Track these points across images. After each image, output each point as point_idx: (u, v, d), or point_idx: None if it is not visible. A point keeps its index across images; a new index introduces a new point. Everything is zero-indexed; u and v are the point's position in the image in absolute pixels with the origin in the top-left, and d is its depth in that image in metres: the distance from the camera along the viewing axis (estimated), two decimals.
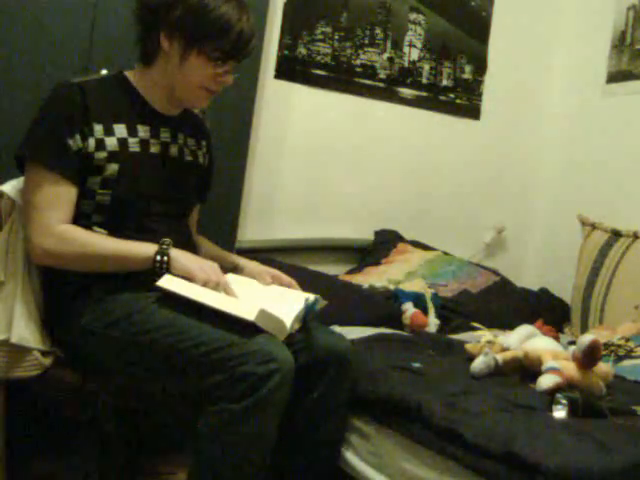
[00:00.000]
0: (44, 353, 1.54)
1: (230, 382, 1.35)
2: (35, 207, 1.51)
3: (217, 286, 1.51)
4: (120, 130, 1.59)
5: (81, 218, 1.57)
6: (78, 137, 1.53)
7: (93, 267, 1.54)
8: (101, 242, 1.53)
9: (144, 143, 1.62)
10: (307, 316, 1.56)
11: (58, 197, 1.52)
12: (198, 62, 1.57)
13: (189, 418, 1.48)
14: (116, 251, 1.53)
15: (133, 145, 1.60)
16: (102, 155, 1.55)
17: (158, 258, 1.50)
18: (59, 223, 1.51)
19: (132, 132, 1.61)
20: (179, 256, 1.53)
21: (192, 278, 1.50)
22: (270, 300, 1.53)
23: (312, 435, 1.59)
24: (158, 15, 1.56)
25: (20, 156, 1.56)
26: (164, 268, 1.51)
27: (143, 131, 1.63)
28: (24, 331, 1.50)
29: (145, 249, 1.52)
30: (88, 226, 1.56)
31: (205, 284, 1.50)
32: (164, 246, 1.52)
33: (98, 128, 1.56)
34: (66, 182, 1.52)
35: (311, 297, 1.57)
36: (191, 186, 1.76)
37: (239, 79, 1.65)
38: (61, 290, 1.58)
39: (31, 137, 1.54)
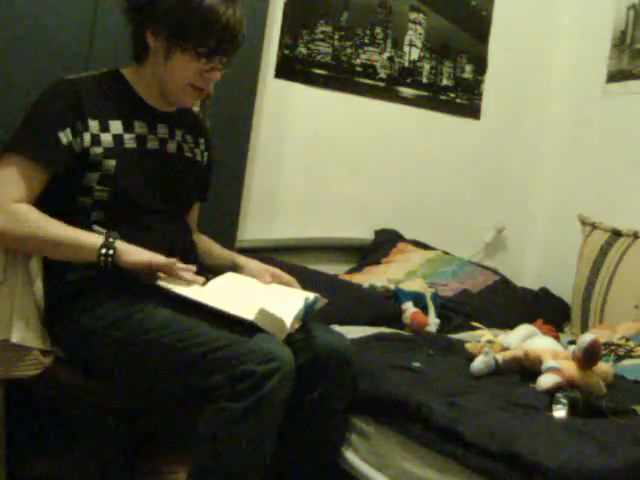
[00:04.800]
0: (44, 353, 1.54)
1: (230, 382, 1.35)
2: None
3: (173, 268, 1.49)
4: (116, 126, 1.58)
5: (80, 215, 1.56)
6: (69, 131, 1.52)
7: (41, 251, 1.52)
8: (51, 227, 1.49)
9: (141, 139, 1.62)
10: (307, 315, 1.56)
11: (21, 176, 1.48)
12: (183, 59, 1.56)
13: (189, 418, 1.48)
14: (64, 237, 1.49)
15: (129, 141, 1.60)
16: (98, 150, 1.55)
17: (103, 251, 1.47)
18: (14, 201, 1.48)
19: (128, 128, 1.60)
20: (128, 250, 1.49)
21: (147, 266, 1.49)
22: (270, 299, 1.53)
23: (312, 435, 1.59)
24: (143, 13, 1.56)
25: (7, 149, 1.54)
26: (109, 262, 1.48)
27: (139, 127, 1.62)
28: (24, 331, 1.50)
29: (93, 240, 1.49)
30: (88, 224, 1.56)
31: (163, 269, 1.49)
32: (110, 239, 1.49)
33: (93, 124, 1.55)
34: (37, 165, 1.50)
35: (311, 296, 1.57)
36: (190, 183, 1.75)
37: (239, 78, 1.64)
38: (61, 290, 1.58)
39: (19, 130, 1.53)
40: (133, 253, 1.50)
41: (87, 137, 1.54)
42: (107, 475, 1.82)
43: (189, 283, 1.50)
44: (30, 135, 1.52)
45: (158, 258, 1.50)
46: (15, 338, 1.48)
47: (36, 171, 1.51)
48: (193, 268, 1.53)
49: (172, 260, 1.51)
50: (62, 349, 1.58)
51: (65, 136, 1.52)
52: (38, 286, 1.57)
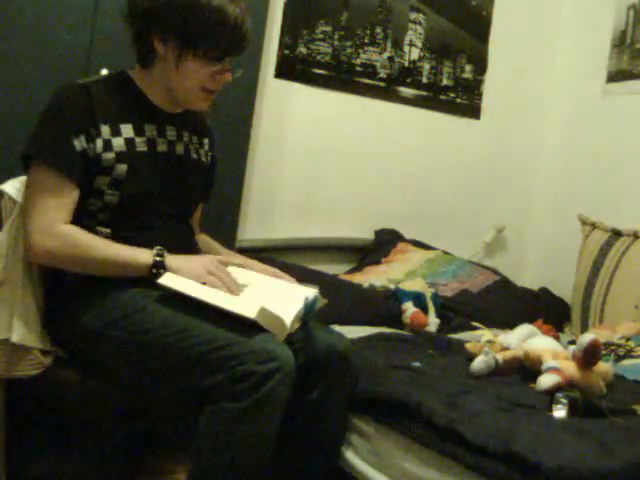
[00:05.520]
0: (44, 352, 1.54)
1: (231, 381, 1.35)
2: (37, 206, 1.50)
3: (225, 283, 1.52)
4: (127, 130, 1.58)
5: (86, 217, 1.56)
6: (83, 138, 1.53)
7: (91, 270, 1.53)
8: (102, 247, 1.52)
9: (151, 142, 1.62)
10: (307, 315, 1.56)
11: (61, 197, 1.51)
12: (195, 63, 1.55)
13: (189, 418, 1.48)
14: (114, 257, 1.51)
15: (140, 145, 1.60)
16: (110, 156, 1.55)
17: (154, 271, 1.50)
18: (61, 223, 1.50)
19: (139, 131, 1.60)
20: (180, 266, 1.51)
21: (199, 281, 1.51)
22: (271, 298, 1.53)
23: (312, 435, 1.59)
24: (149, 21, 1.54)
25: (26, 155, 1.55)
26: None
27: (149, 130, 1.62)
28: (24, 330, 1.50)
29: (143, 258, 1.51)
30: (91, 225, 1.56)
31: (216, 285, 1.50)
32: (158, 258, 1.51)
33: (105, 129, 1.55)
34: (69, 182, 1.52)
35: (310, 296, 1.57)
36: (196, 184, 1.76)
37: (239, 78, 1.64)
38: (61, 289, 1.58)
39: (37, 137, 1.53)
40: (184, 272, 1.51)
41: (99, 143, 1.54)
42: (107, 475, 1.82)
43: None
44: (52, 146, 1.51)
45: (214, 274, 1.52)
46: (15, 338, 1.48)
47: (69, 185, 1.52)
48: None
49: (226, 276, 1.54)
50: (62, 349, 1.58)
51: (79, 143, 1.52)
52: (38, 286, 1.57)
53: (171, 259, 1.52)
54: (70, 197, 1.53)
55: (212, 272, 1.52)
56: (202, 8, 1.51)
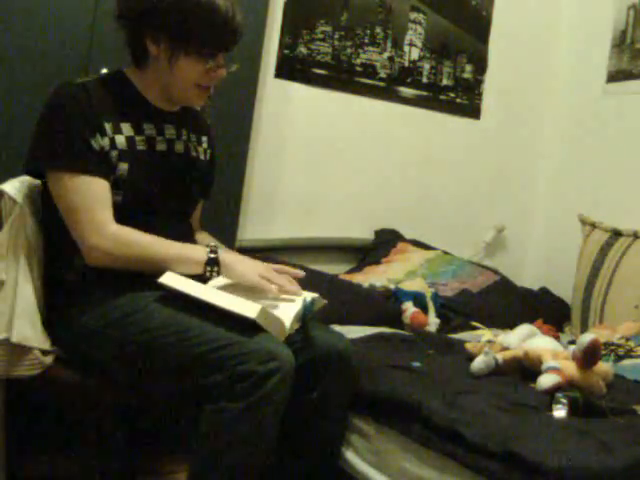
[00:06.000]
0: (44, 352, 1.54)
1: (230, 381, 1.35)
2: (81, 210, 1.49)
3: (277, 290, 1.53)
4: (126, 128, 1.58)
5: None
6: (98, 135, 1.52)
7: (146, 268, 1.53)
8: (156, 246, 1.53)
9: (150, 141, 1.62)
10: (306, 316, 1.56)
11: (99, 196, 1.51)
12: (188, 62, 1.55)
13: (189, 418, 1.48)
14: (169, 256, 1.53)
15: (140, 143, 1.59)
16: (114, 154, 1.55)
17: (209, 269, 1.52)
18: (111, 223, 1.50)
19: (138, 130, 1.60)
20: (233, 263, 1.54)
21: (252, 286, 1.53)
22: (269, 300, 1.53)
23: (312, 435, 1.59)
24: (139, 22, 1.54)
25: (39, 162, 1.53)
26: (214, 275, 1.53)
27: (148, 129, 1.62)
28: (25, 330, 1.50)
29: (197, 256, 1.54)
30: None
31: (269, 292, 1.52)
32: (212, 255, 1.53)
33: (108, 126, 1.55)
34: (99, 180, 1.51)
35: (309, 297, 1.57)
36: (196, 182, 1.76)
37: (239, 78, 1.64)
38: (62, 289, 1.58)
39: (50, 142, 1.51)
40: (236, 273, 1.54)
41: (106, 141, 1.54)
42: (107, 475, 1.82)
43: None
44: (68, 149, 1.49)
45: (264, 274, 1.54)
46: (15, 338, 1.48)
47: (99, 182, 1.51)
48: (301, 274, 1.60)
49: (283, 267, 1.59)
50: (62, 349, 1.58)
51: (95, 141, 1.52)
52: (38, 286, 1.57)
53: (225, 255, 1.55)
54: (106, 194, 1.52)
55: (265, 277, 1.53)
56: (191, 6, 1.51)
